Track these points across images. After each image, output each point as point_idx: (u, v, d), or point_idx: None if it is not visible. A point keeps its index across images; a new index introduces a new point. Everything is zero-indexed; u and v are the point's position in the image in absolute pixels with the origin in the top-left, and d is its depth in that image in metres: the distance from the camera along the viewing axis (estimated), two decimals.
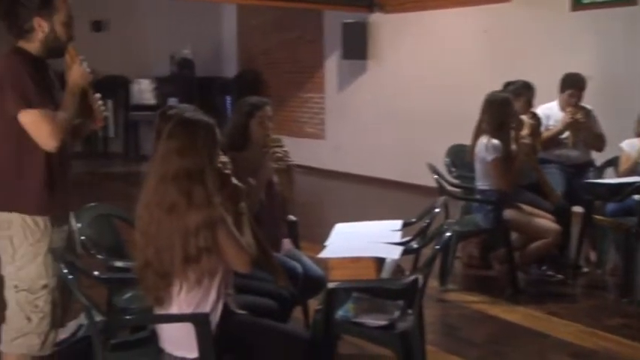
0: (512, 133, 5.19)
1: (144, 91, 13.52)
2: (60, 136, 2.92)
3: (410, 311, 3.23)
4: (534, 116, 5.62)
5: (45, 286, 3.02)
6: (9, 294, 3.06)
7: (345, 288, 3.21)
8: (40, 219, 3.00)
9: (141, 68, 13.44)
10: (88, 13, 12.47)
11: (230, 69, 13.96)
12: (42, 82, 2.96)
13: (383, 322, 3.14)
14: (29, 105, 2.86)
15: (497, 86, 5.91)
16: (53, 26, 2.99)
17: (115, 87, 13.31)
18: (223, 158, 2.98)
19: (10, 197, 2.98)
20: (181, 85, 12.98)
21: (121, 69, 13.22)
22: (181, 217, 2.64)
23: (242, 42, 13.71)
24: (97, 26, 13.40)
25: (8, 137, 2.95)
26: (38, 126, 2.88)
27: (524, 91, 5.72)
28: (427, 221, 3.84)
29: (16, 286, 3.02)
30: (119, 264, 3.41)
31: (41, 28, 2.97)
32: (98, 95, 3.21)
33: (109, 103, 13.20)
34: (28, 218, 2.97)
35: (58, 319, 3.13)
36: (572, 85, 5.84)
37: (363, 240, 3.42)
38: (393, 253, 3.27)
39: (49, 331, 3.08)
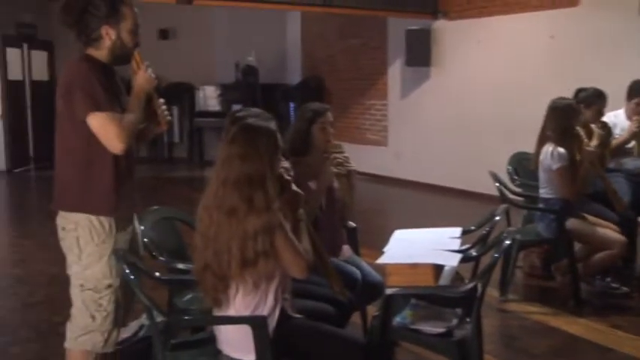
0: (578, 141, 5.09)
1: (209, 97, 13.75)
2: (127, 139, 3.00)
3: (468, 319, 3.21)
4: (604, 126, 5.49)
5: (109, 286, 3.11)
6: (75, 293, 3.16)
7: (403, 294, 3.20)
8: (105, 220, 3.08)
9: (206, 75, 13.68)
10: (155, 21, 12.78)
11: (294, 76, 14.08)
12: (110, 87, 3.05)
13: (440, 330, 3.12)
14: (98, 108, 2.95)
15: (563, 92, 5.77)
16: (120, 34, 3.08)
17: (180, 94, 13.62)
18: (285, 164, 3.02)
19: (78, 198, 3.08)
20: (245, 91, 13.16)
21: (186, 76, 13.51)
22: (241, 221, 2.68)
23: (306, 49, 13.82)
24: (164, 34, 13.72)
25: (77, 140, 3.03)
26: (106, 128, 2.96)
27: (595, 100, 5.60)
28: (487, 229, 3.79)
29: (81, 285, 3.11)
30: (180, 266, 3.48)
31: (109, 35, 3.06)
32: (162, 100, 3.29)
33: (175, 109, 13.54)
34: (94, 219, 3.06)
35: (120, 319, 3.22)
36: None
37: (422, 246, 3.41)
38: (452, 261, 3.25)
39: (111, 329, 3.17)
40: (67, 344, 3.21)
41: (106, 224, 3.08)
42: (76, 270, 3.12)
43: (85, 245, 3.07)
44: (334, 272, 3.31)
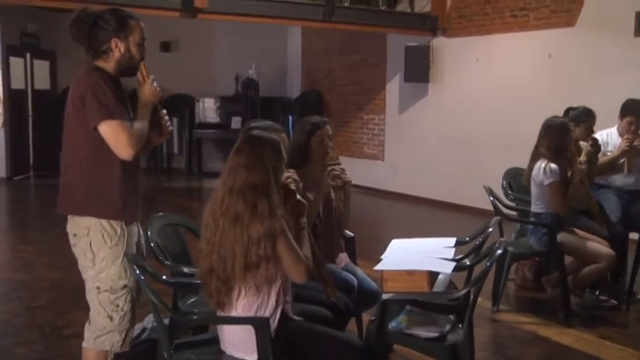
0: (570, 159, 5.22)
1: (208, 109, 13.90)
2: (137, 146, 3.13)
3: (460, 325, 3.34)
4: (594, 143, 5.60)
5: (125, 287, 3.24)
6: (91, 296, 3.27)
7: (398, 300, 3.33)
8: (116, 223, 3.21)
9: (206, 87, 13.83)
10: (157, 34, 12.93)
11: (293, 89, 14.24)
12: (119, 96, 3.19)
13: (434, 334, 3.25)
14: (110, 116, 3.07)
15: (559, 110, 5.95)
16: (128, 47, 3.22)
17: (180, 105, 13.74)
18: (294, 176, 3.17)
19: (88, 202, 3.19)
20: (245, 104, 13.31)
21: (187, 88, 13.64)
22: (245, 227, 2.82)
23: (306, 63, 13.99)
24: (166, 47, 13.86)
25: (87, 147, 3.15)
26: (118, 135, 3.09)
27: (585, 118, 5.74)
28: (480, 240, 3.92)
29: (98, 288, 3.23)
30: (186, 270, 3.61)
31: (118, 48, 3.20)
32: (164, 111, 3.44)
33: (175, 120, 13.65)
34: (105, 223, 3.18)
35: (134, 318, 3.35)
36: (633, 112, 5.78)
37: (418, 255, 3.54)
38: (446, 268, 3.38)
39: (128, 328, 3.31)
40: (86, 344, 3.31)
41: (117, 227, 3.21)
42: (91, 274, 3.23)
43: (99, 249, 3.19)
44: (330, 278, 3.44)
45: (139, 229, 3.45)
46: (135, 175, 3.32)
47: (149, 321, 4.24)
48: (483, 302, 5.16)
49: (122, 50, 3.20)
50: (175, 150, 14.42)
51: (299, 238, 3.01)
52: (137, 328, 4.09)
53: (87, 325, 3.32)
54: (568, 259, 5.39)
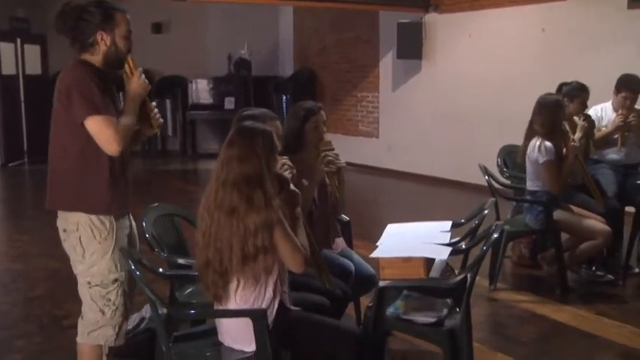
0: (564, 136, 5.21)
1: (201, 90, 13.83)
2: (123, 141, 3.12)
3: (458, 309, 3.34)
4: (587, 118, 5.60)
5: (115, 280, 3.25)
6: (82, 290, 3.28)
7: (395, 286, 3.33)
8: (105, 218, 3.21)
9: (199, 68, 13.75)
10: (148, 15, 12.83)
11: (286, 68, 14.18)
12: (105, 91, 3.16)
13: (431, 320, 3.26)
14: (96, 111, 3.06)
15: (553, 85, 5.93)
16: (114, 40, 3.20)
17: (173, 87, 13.69)
18: (289, 162, 3.15)
19: (76, 198, 3.19)
20: (238, 84, 13.24)
21: (179, 69, 13.57)
22: (241, 219, 2.81)
23: (298, 42, 13.92)
24: (157, 28, 13.77)
25: (75, 142, 3.14)
26: (103, 131, 3.07)
27: (579, 93, 5.72)
28: (476, 222, 3.92)
29: (89, 283, 3.24)
30: (181, 261, 3.60)
31: (104, 41, 3.18)
32: (154, 103, 3.42)
33: (168, 102, 13.60)
34: (94, 218, 3.18)
35: (128, 311, 3.36)
36: (627, 87, 5.76)
37: (414, 241, 3.53)
38: (442, 254, 3.38)
39: (122, 322, 3.32)
40: (79, 339, 3.33)
41: (106, 222, 3.21)
42: (82, 269, 3.24)
43: (88, 244, 3.19)
44: (324, 266, 3.44)
45: (131, 221, 3.45)
46: (124, 168, 3.31)
47: (147, 310, 4.24)
48: (480, 281, 5.16)
49: (108, 43, 3.19)
50: (169, 132, 14.35)
51: (294, 227, 3.00)
52: (135, 317, 4.11)
53: (80, 319, 3.34)
54: (564, 236, 5.40)
